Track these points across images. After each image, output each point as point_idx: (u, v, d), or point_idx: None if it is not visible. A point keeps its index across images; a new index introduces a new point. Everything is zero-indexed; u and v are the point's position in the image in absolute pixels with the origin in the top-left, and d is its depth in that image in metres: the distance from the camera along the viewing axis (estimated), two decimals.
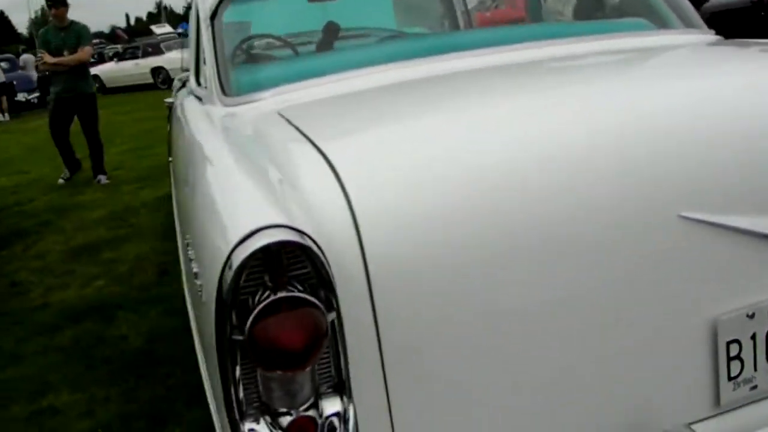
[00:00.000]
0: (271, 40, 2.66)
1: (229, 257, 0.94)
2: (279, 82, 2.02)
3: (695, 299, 1.27)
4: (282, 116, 1.67)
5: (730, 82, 1.56)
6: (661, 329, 1.25)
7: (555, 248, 1.16)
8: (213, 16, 2.24)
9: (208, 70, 2.19)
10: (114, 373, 3.08)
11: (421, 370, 1.11)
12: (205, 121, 1.94)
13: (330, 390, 1.03)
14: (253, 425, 1.01)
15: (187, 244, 1.33)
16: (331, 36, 2.67)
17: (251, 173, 1.25)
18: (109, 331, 3.57)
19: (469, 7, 4.01)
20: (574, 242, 1.17)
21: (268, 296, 0.93)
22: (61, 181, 7.43)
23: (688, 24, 2.30)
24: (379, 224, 1.09)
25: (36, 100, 18.92)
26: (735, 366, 1.31)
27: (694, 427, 1.21)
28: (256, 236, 0.94)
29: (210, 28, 2.23)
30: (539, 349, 1.17)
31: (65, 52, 6.68)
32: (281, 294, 0.93)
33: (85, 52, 6.85)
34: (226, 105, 2.01)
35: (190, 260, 1.26)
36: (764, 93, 1.43)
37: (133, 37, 41.52)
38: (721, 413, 1.31)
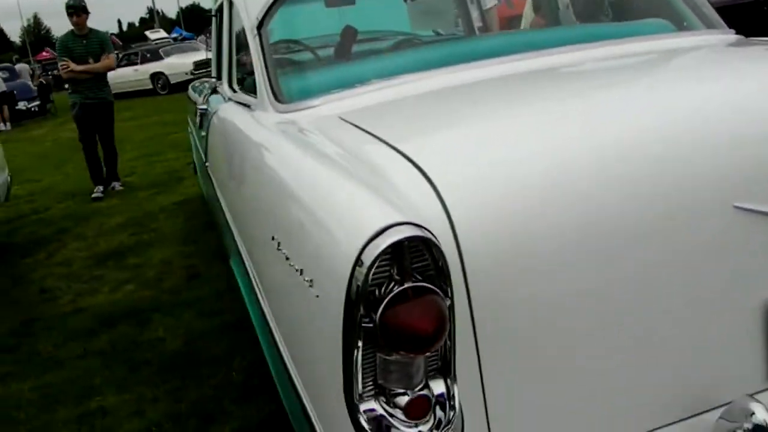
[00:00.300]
0: (306, 46, 2.76)
1: (360, 254, 1.05)
2: (328, 89, 2.13)
3: (749, 282, 1.38)
4: (346, 121, 1.78)
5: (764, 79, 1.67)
6: (720, 310, 1.36)
7: (627, 235, 1.27)
8: (260, 26, 2.34)
9: (258, 78, 2.29)
10: (157, 374, 3.18)
11: (508, 351, 1.22)
12: (265, 129, 2.04)
13: (436, 372, 1.14)
14: (371, 405, 1.12)
15: (278, 245, 1.43)
16: (349, 40, 2.79)
17: (348, 177, 1.35)
18: (145, 334, 3.66)
19: (487, 7, 4.12)
20: (644, 230, 1.28)
21: (394, 287, 1.04)
22: (98, 194, 7.16)
23: (708, 24, 2.41)
24: (469, 218, 1.20)
25: (36, 108, 19.00)
26: None
27: (752, 406, 1.31)
28: (385, 234, 1.04)
29: (258, 38, 2.33)
30: (616, 326, 1.29)
31: (90, 60, 6.72)
32: (408, 284, 1.04)
33: (110, 59, 6.94)
34: (280, 111, 2.12)
35: (287, 258, 1.36)
36: None
37: (127, 44, 41.53)
38: None
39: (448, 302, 1.08)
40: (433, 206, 1.21)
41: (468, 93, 1.94)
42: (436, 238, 1.08)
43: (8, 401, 3.15)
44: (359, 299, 1.06)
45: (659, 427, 1.36)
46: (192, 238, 5.33)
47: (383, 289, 1.06)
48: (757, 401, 1.26)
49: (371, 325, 1.06)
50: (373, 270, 1.05)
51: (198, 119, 3.72)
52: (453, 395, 1.14)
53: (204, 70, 20.94)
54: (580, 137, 1.41)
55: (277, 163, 1.74)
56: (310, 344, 1.33)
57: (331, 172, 1.44)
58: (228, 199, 2.44)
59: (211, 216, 4.55)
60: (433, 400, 1.12)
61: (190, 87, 5.90)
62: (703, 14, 2.47)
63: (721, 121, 1.43)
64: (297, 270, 1.30)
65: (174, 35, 43.55)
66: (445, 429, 1.12)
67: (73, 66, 6.61)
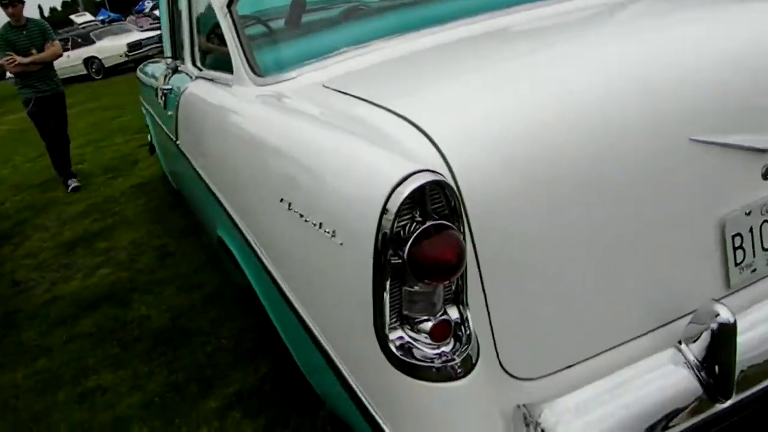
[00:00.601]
0: (273, 19, 2.86)
1: (386, 202, 1.20)
2: (302, 60, 2.27)
3: (706, 204, 1.58)
4: (330, 88, 1.92)
5: (712, 20, 1.88)
6: (683, 229, 1.56)
7: (601, 170, 1.46)
8: (230, 3, 2.45)
9: (233, 54, 2.40)
10: (149, 349, 3.29)
11: (505, 277, 1.40)
12: (249, 102, 2.16)
13: (450, 301, 1.31)
14: (399, 334, 1.28)
15: (288, 206, 1.57)
16: (300, 9, 2.92)
17: (352, 135, 1.50)
18: (129, 314, 3.75)
19: None
20: (616, 164, 1.47)
21: (418, 227, 1.20)
22: (75, 185, 6.91)
23: None
24: (465, 164, 1.36)
25: None
26: (739, 254, 1.63)
27: (717, 307, 1.51)
28: (407, 181, 1.20)
29: (229, 15, 2.43)
30: (596, 250, 1.48)
31: (33, 51, 6.36)
32: (430, 222, 1.21)
33: (56, 46, 6.60)
34: (259, 85, 2.24)
35: (301, 216, 1.51)
36: (743, 25, 1.76)
37: (53, 29, 40.23)
38: (732, 293, 1.63)
39: (461, 236, 1.25)
40: (432, 156, 1.37)
41: (438, 54, 2.10)
42: (449, 181, 1.24)
43: (4, 391, 3.22)
44: (388, 240, 1.22)
45: (638, 336, 1.56)
46: (157, 218, 5.39)
47: (408, 229, 1.22)
48: (721, 303, 1.46)
49: (400, 261, 1.22)
50: (398, 214, 1.21)
51: (162, 99, 3.78)
52: (466, 318, 1.32)
53: (138, 52, 20.56)
54: (551, 87, 1.58)
55: (274, 130, 1.87)
56: (333, 291, 1.48)
57: (334, 133, 1.58)
58: (212, 171, 2.55)
59: (181, 192, 4.63)
60: (453, 324, 1.29)
61: (139, 69, 5.91)
62: None
63: (675, 66, 1.61)
64: (315, 225, 1.44)
65: (101, 17, 42.36)
66: (464, 347, 1.29)
67: (19, 59, 6.27)
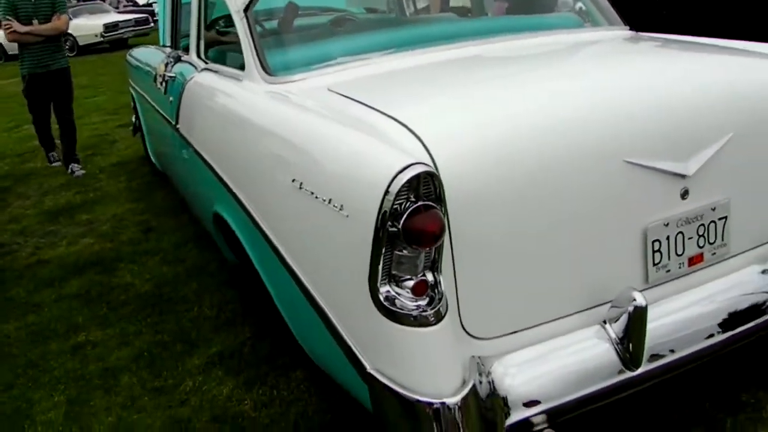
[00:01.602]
0: (285, 23, 3.22)
1: (389, 186, 1.59)
2: (308, 64, 2.64)
3: (635, 214, 1.99)
4: (334, 92, 2.29)
5: (652, 63, 2.31)
6: (613, 233, 1.97)
7: (553, 178, 1.86)
8: (246, 8, 2.79)
9: (246, 54, 2.75)
10: (136, 312, 3.60)
11: (471, 252, 1.79)
12: (260, 96, 2.52)
13: (428, 267, 1.69)
14: (389, 287, 1.66)
15: (300, 185, 1.93)
16: (292, 14, 3.30)
17: (358, 131, 1.88)
18: (114, 280, 4.04)
19: None
20: (564, 176, 1.87)
21: (411, 205, 1.59)
22: (57, 163, 6.76)
23: (610, 21, 3.04)
24: (447, 162, 1.75)
25: None
26: (657, 257, 2.04)
27: (634, 294, 1.91)
28: (406, 170, 1.58)
29: (245, 20, 2.78)
30: (543, 241, 1.87)
31: (35, 21, 5.93)
32: (421, 202, 1.59)
33: (62, 20, 6.09)
34: (269, 83, 2.59)
35: (312, 193, 1.87)
36: (676, 70, 2.21)
37: None
38: (649, 287, 2.04)
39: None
40: (421, 152, 1.75)
41: (428, 71, 2.49)
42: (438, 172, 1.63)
43: None
44: (387, 215, 1.60)
45: (571, 314, 1.96)
46: (138, 197, 5.67)
47: (403, 206, 1.60)
48: (638, 291, 1.87)
49: (395, 230, 1.60)
50: (397, 195, 1.59)
51: (162, 85, 4.09)
52: (439, 281, 1.70)
53: (114, 33, 20.61)
54: (517, 106, 2.00)
55: (285, 122, 2.23)
56: (335, 255, 1.85)
57: (342, 128, 1.96)
58: (216, 154, 2.89)
59: (167, 173, 4.93)
60: (429, 284, 1.68)
61: (129, 54, 6.17)
62: (606, 12, 3.09)
63: (616, 99, 2.03)
64: (324, 201, 1.81)
65: None
66: (436, 303, 1.68)
67: (16, 26, 5.85)
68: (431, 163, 1.71)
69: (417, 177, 1.59)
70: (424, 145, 1.77)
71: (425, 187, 1.61)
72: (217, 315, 3.46)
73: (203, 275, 3.95)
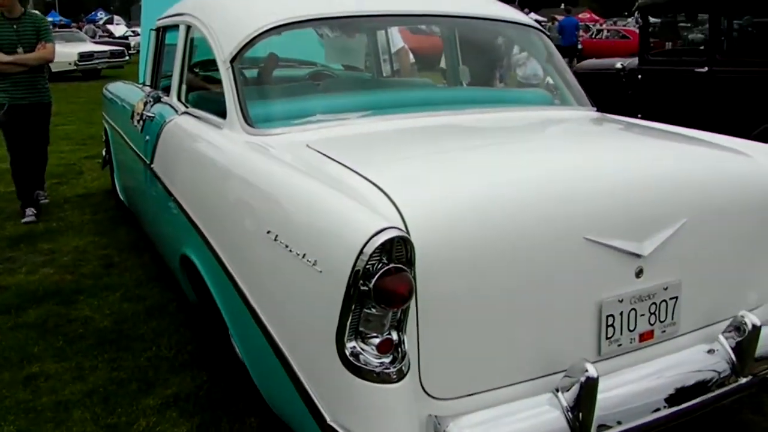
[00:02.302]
0: (270, 76, 3.32)
1: (363, 247, 1.67)
2: (288, 119, 2.73)
3: (591, 288, 2.09)
4: (312, 148, 2.38)
5: (615, 146, 2.44)
6: (570, 306, 2.07)
7: (515, 251, 1.96)
8: (233, 59, 2.89)
9: (229, 103, 2.83)
10: (93, 347, 3.58)
11: (434, 316, 1.87)
12: (240, 146, 2.59)
13: (394, 326, 1.76)
14: (355, 343, 1.73)
15: (275, 237, 2.00)
16: (272, 64, 3.42)
17: (335, 189, 1.96)
18: (73, 313, 4.02)
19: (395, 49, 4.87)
20: (526, 249, 1.97)
21: (383, 266, 1.67)
22: (30, 218, 5.89)
23: (578, 101, 3.21)
24: (417, 225, 1.83)
25: None
26: (610, 331, 2.14)
27: (587, 365, 2.00)
28: (381, 233, 1.67)
29: (230, 70, 2.87)
30: (502, 310, 1.96)
31: (19, 50, 5.58)
32: (392, 265, 1.67)
33: (47, 49, 5.70)
34: (249, 134, 2.67)
35: (286, 247, 1.94)
36: (637, 155, 2.34)
37: None
38: (601, 360, 2.13)
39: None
40: (395, 217, 1.83)
41: (404, 136, 2.61)
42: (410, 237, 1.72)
43: None
44: (360, 273, 1.68)
45: (526, 380, 2.04)
46: (102, 230, 5.65)
47: (375, 267, 1.68)
48: (590, 362, 1.96)
49: (366, 288, 1.68)
50: (371, 256, 1.67)
51: (139, 123, 4.15)
52: (403, 341, 1.78)
53: (88, 63, 20.60)
54: (485, 179, 2.11)
55: (264, 173, 2.31)
56: (304, 308, 1.91)
57: (320, 185, 2.04)
58: (190, 197, 2.94)
59: (133, 209, 4.95)
60: (394, 342, 1.75)
61: (106, 88, 6.21)
62: (575, 92, 3.26)
63: (580, 178, 2.15)
64: (298, 254, 1.88)
65: (49, 19, 41.92)
66: (400, 361, 1.75)
67: (0, 56, 5.51)
68: (404, 227, 1.80)
69: (391, 240, 1.67)
70: (398, 210, 1.85)
71: (397, 251, 1.70)
72: (175, 356, 3.47)
73: (163, 314, 3.95)
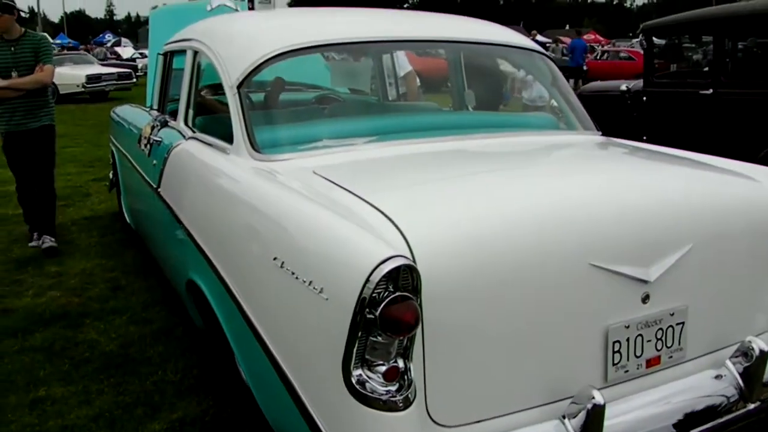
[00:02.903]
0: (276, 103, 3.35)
1: (369, 275, 1.67)
2: (295, 145, 2.75)
3: (597, 315, 2.09)
4: (319, 175, 2.39)
5: (621, 171, 2.45)
6: (578, 330, 2.07)
7: (521, 278, 1.95)
8: (240, 85, 2.91)
9: (236, 129, 2.85)
10: (99, 370, 3.59)
11: (441, 344, 1.87)
12: (247, 172, 2.60)
13: (400, 354, 1.76)
14: (361, 371, 1.73)
15: (281, 264, 2.01)
16: (278, 88, 3.45)
17: (341, 216, 1.97)
18: (80, 336, 4.03)
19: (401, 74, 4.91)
20: (532, 275, 1.97)
21: (389, 294, 1.67)
22: (33, 244, 5.76)
23: (584, 126, 3.22)
24: (424, 253, 1.83)
25: None
26: (617, 357, 2.13)
27: (593, 392, 2.00)
28: (388, 262, 1.67)
29: (237, 96, 2.89)
30: (510, 337, 1.96)
31: (14, 73, 5.26)
32: (399, 293, 1.68)
33: (45, 71, 5.32)
34: (256, 159, 2.69)
35: (293, 274, 1.95)
36: (643, 180, 2.35)
37: None
38: (608, 386, 2.13)
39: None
40: (401, 245, 1.84)
41: (410, 162, 2.61)
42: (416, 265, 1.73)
43: None
44: (366, 301, 1.69)
45: (533, 407, 2.03)
46: (109, 252, 5.67)
47: (381, 295, 1.69)
48: (596, 389, 1.95)
49: (372, 317, 1.68)
50: (377, 284, 1.68)
51: (146, 147, 4.18)
52: (409, 369, 1.78)
53: (96, 85, 20.75)
54: (493, 205, 2.11)
55: (272, 199, 2.32)
56: (310, 335, 1.91)
57: (327, 212, 2.04)
58: (197, 222, 2.96)
59: (140, 233, 4.97)
60: (401, 370, 1.75)
61: (113, 111, 6.26)
62: (580, 116, 3.28)
63: (586, 203, 2.15)
64: (305, 281, 1.88)
65: (58, 41, 42.42)
66: (406, 389, 1.75)
67: None
68: (410, 255, 1.81)
69: (397, 269, 1.68)
70: (404, 238, 1.86)
71: (404, 279, 1.70)
72: (181, 380, 3.47)
73: (170, 338, 3.96)
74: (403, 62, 4.81)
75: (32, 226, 5.83)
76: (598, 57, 26.75)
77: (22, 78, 5.28)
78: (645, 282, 2.14)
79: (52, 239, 5.70)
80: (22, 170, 5.56)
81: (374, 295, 1.69)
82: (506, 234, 1.98)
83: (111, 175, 6.42)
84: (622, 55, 26.02)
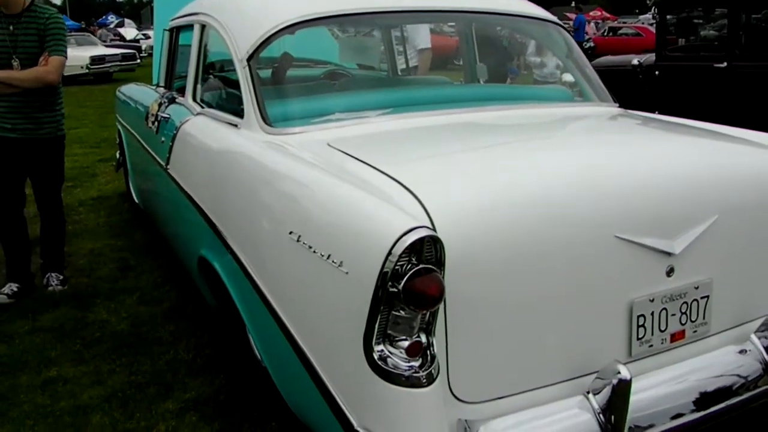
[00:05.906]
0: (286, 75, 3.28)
1: (392, 247, 1.62)
2: (307, 118, 2.68)
3: (622, 288, 2.04)
4: (334, 147, 2.33)
5: (642, 143, 2.39)
6: (602, 304, 2.02)
7: (546, 251, 1.90)
8: (249, 58, 2.85)
9: (246, 103, 2.79)
10: (111, 350, 3.55)
11: (463, 318, 1.82)
12: (259, 146, 2.55)
13: (422, 329, 1.71)
14: (383, 346, 1.68)
15: (298, 238, 1.96)
16: (287, 64, 3.38)
17: (360, 188, 1.92)
18: (90, 316, 3.99)
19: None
20: (558, 249, 1.91)
21: (413, 267, 1.62)
22: (3, 297, 4.14)
23: (600, 98, 3.15)
24: (444, 223, 1.78)
25: None
26: (641, 331, 2.08)
27: (619, 367, 1.95)
28: (410, 233, 1.62)
29: (247, 68, 2.82)
30: (535, 311, 1.91)
31: (15, 63, 3.86)
32: (422, 265, 1.62)
33: (51, 62, 3.87)
34: (267, 133, 2.63)
35: (310, 248, 1.90)
36: (665, 151, 2.29)
37: None
38: (632, 361, 2.08)
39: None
40: (423, 216, 1.78)
41: (425, 133, 2.55)
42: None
43: None
44: (388, 275, 1.64)
45: (556, 383, 1.99)
46: (117, 232, 5.63)
47: (404, 267, 1.63)
48: (622, 364, 1.90)
49: (395, 290, 1.63)
50: (400, 257, 1.62)
51: (154, 125, 4.12)
52: (432, 344, 1.73)
53: (100, 66, 20.66)
54: (514, 175, 2.05)
55: (286, 173, 2.26)
56: (330, 310, 1.86)
57: (345, 184, 1.99)
58: (209, 198, 2.90)
59: (148, 212, 4.92)
60: (423, 345, 1.70)
61: (119, 90, 6.20)
62: (597, 88, 3.20)
63: (610, 175, 2.09)
64: (323, 255, 1.83)
65: None
66: (429, 364, 1.70)
67: None
68: (431, 227, 1.75)
69: (420, 240, 1.63)
70: (425, 209, 1.81)
71: (427, 251, 1.65)
72: (194, 359, 3.43)
73: (180, 317, 3.92)
74: (424, 37, 4.73)
75: (11, 274, 4.27)
76: (605, 34, 26.49)
77: (18, 72, 3.85)
78: (670, 254, 2.08)
79: (60, 279, 4.38)
80: (9, 191, 4.12)
81: (397, 268, 1.63)
82: (530, 205, 1.93)
83: (117, 155, 6.37)
84: (628, 31, 25.76)
